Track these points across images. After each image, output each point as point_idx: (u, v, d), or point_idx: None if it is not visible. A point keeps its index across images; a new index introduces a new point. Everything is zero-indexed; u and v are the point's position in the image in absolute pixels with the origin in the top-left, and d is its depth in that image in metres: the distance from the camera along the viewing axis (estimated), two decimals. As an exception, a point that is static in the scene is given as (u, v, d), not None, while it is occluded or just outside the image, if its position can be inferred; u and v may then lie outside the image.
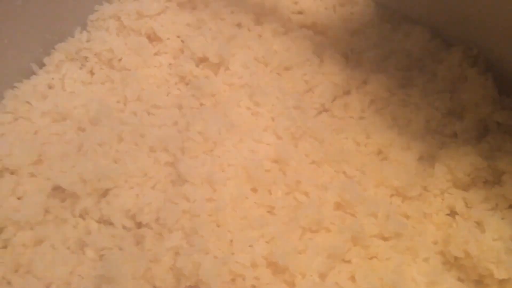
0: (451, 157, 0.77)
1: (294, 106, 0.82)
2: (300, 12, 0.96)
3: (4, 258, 0.72)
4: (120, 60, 0.89)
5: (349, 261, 0.69)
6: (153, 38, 0.93)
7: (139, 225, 0.72)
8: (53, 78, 0.88)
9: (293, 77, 0.87)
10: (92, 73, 0.90)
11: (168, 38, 0.92)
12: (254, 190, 0.74)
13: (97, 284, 0.68)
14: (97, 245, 0.71)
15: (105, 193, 0.75)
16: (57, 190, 0.75)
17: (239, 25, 0.93)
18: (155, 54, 0.92)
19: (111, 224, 0.72)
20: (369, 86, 0.86)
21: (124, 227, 0.72)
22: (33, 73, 0.88)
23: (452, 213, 0.76)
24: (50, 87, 0.87)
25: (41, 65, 0.89)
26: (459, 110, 0.84)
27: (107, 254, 0.69)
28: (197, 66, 0.89)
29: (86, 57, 0.90)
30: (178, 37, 0.93)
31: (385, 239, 0.71)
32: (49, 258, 0.70)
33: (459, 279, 0.72)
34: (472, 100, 0.83)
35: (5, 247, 0.73)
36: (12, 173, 0.76)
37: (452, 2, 0.86)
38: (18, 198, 0.74)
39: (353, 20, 0.93)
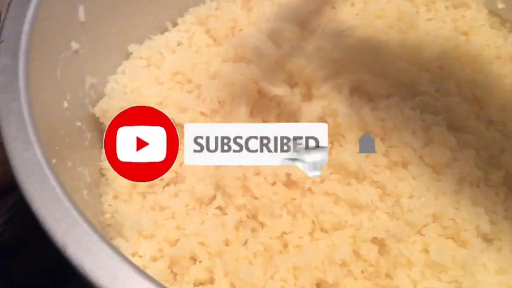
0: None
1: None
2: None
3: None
4: (240, 30, 0.99)
5: (424, 235, 0.73)
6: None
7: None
8: (182, 37, 0.98)
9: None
10: (215, 37, 1.00)
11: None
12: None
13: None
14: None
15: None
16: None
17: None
18: (272, 29, 1.00)
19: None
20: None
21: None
22: (167, 30, 1.00)
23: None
24: (179, 43, 0.98)
25: (175, 24, 1.01)
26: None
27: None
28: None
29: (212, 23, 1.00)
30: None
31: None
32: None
33: (531, 277, 0.74)
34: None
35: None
36: (140, 107, 0.88)
37: None
38: (142, 129, 0.86)
39: (465, 23, 0.97)
